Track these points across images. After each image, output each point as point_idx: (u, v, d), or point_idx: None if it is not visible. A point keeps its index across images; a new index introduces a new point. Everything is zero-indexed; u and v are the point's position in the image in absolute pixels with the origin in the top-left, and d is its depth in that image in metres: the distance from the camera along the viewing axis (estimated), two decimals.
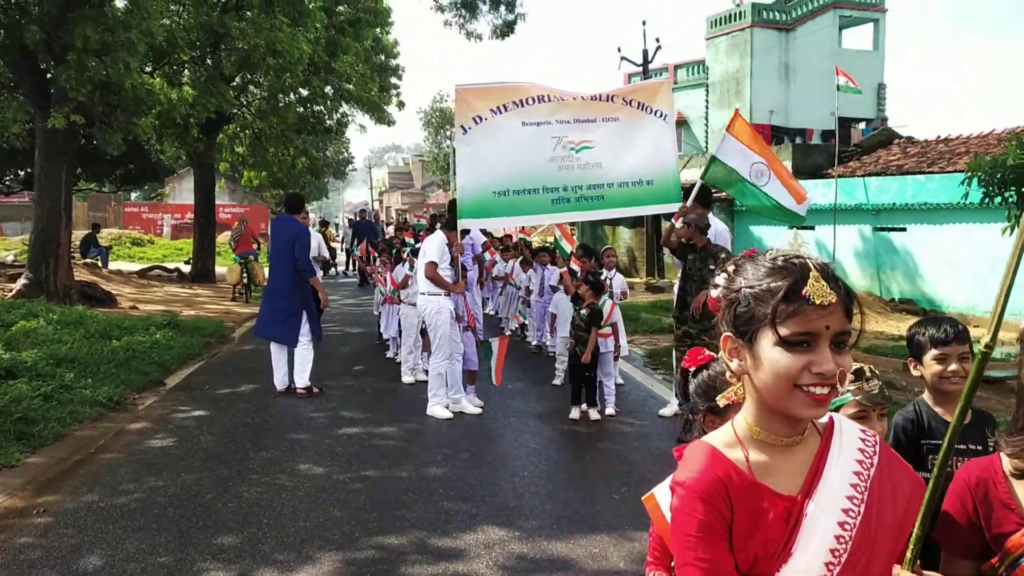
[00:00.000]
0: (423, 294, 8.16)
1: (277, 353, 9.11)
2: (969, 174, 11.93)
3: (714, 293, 1.61)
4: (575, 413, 7.99)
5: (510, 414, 8.18)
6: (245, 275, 18.64)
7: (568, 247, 8.04)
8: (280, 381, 9.07)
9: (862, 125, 32.76)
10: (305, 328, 9.01)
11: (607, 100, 7.87)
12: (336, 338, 12.67)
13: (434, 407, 8.02)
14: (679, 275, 7.90)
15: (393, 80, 29.24)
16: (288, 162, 26.20)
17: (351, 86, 22.75)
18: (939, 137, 24.90)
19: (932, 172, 20.94)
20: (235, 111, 22.06)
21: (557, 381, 9.63)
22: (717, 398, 1.76)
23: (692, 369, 2.11)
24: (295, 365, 9.04)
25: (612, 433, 7.60)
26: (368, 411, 8.38)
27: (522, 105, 7.69)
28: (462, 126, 7.65)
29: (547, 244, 16.63)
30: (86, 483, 6.07)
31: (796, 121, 32.35)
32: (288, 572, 4.55)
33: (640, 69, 28.00)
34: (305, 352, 9.04)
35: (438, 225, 14.94)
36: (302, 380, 9.01)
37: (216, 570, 4.58)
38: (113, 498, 5.74)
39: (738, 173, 8.11)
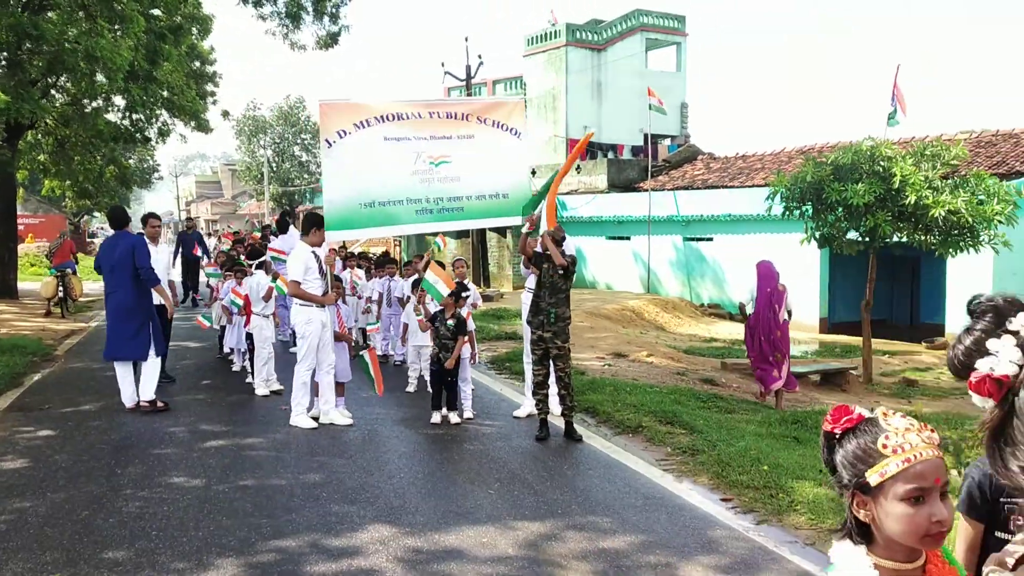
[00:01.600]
0: (296, 304, 8.24)
1: (122, 370, 8.88)
2: (773, 189, 13.21)
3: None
4: (436, 417, 8.33)
5: (373, 421, 8.39)
6: (61, 289, 17.64)
7: (445, 290, 8.32)
8: (129, 397, 8.84)
9: (667, 141, 34.86)
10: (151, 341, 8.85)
11: (463, 119, 8.30)
12: (174, 353, 12.33)
13: (297, 417, 8.12)
14: (531, 282, 8.41)
15: (209, 87, 28.41)
16: (95, 171, 24.92)
17: (170, 94, 22.00)
18: (738, 154, 27.01)
19: (734, 186, 22.76)
20: (38, 117, 20.82)
21: (410, 388, 9.91)
22: (867, 473, 1.69)
23: (838, 433, 1.77)
24: (142, 379, 8.85)
25: (474, 435, 8.00)
26: (229, 424, 8.36)
27: (384, 121, 8.00)
28: (327, 140, 7.87)
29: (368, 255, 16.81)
30: None
31: (608, 137, 33.98)
32: None
33: (463, 83, 28.62)
34: (152, 366, 8.88)
35: (292, 229, 14.88)
36: (147, 394, 8.83)
37: None
38: None
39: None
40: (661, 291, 23.15)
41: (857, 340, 16.56)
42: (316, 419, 8.18)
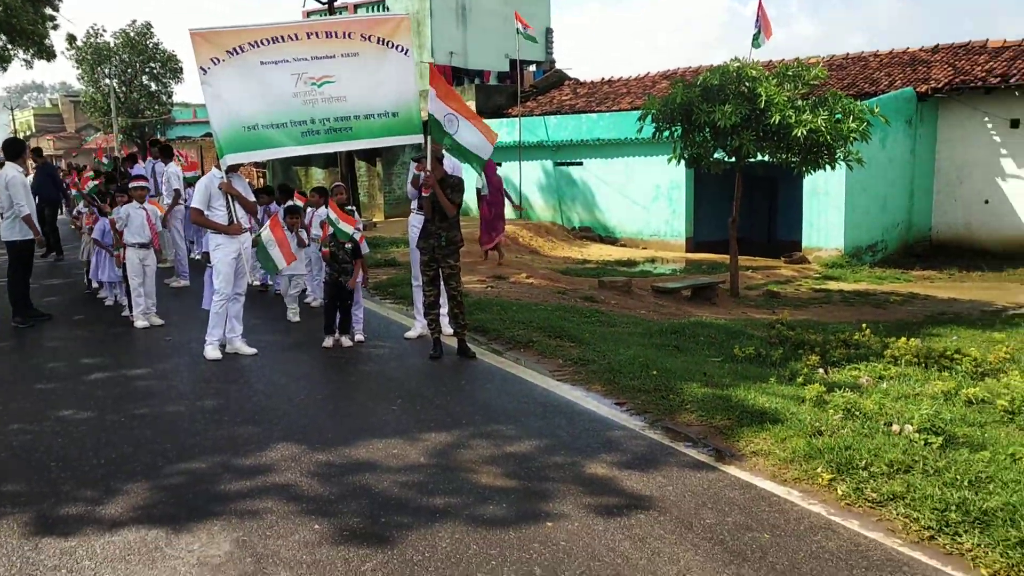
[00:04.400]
0: (210, 233, 8.06)
1: None
2: (644, 110, 13.55)
3: None
4: (328, 342, 8.31)
5: (263, 348, 8.28)
6: None
7: (348, 228, 8.23)
8: None
9: (533, 67, 34.87)
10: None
11: (344, 36, 8.10)
12: (37, 292, 11.71)
13: (208, 347, 7.92)
14: (415, 208, 8.43)
15: (48, 11, 26.47)
16: None
17: (5, 15, 20.42)
18: (604, 79, 27.35)
19: (602, 111, 23.11)
20: None
21: (293, 317, 9.78)
22: None
23: None
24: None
25: (368, 356, 8.04)
26: (110, 357, 8.09)
27: (258, 46, 7.75)
28: (201, 67, 7.58)
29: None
30: None
31: (474, 63, 33.68)
32: (100, 506, 4.56)
33: (324, 7, 27.67)
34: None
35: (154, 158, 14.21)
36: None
37: (17, 513, 4.47)
38: None
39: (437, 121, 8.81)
40: (533, 216, 23.46)
41: (721, 257, 17.37)
42: (223, 348, 8.04)
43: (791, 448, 5.20)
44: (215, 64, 7.63)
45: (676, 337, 8.98)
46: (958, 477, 4.54)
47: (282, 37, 7.87)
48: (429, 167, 7.78)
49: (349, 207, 9.01)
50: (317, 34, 8.03)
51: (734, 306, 13.01)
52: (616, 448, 5.45)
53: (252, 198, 8.54)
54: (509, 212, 18.16)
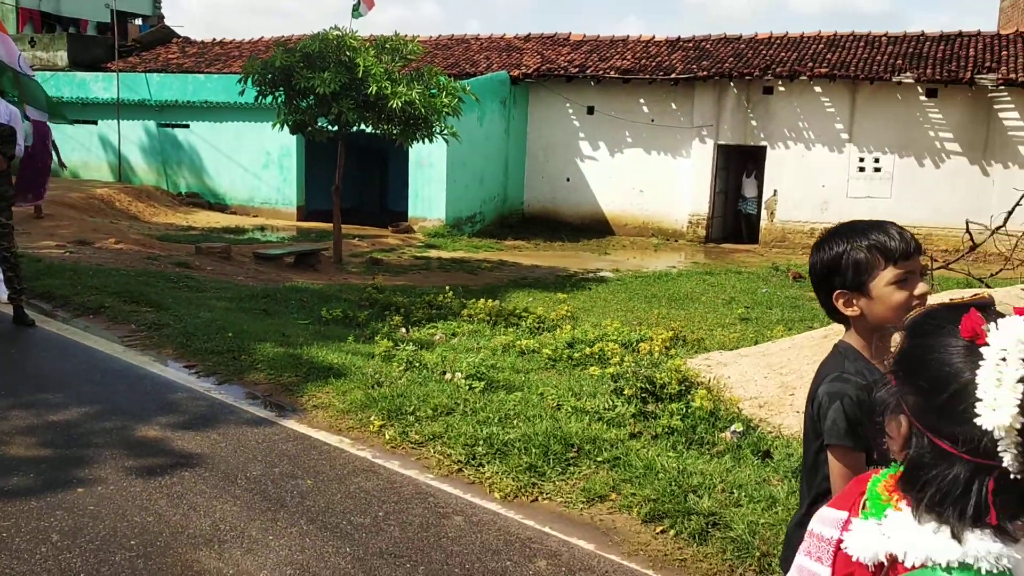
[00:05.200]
0: None
1: None
2: (243, 74, 13.18)
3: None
4: None
5: None
6: None
7: None
8: None
9: (139, 21, 32.48)
10: None
11: None
12: None
13: None
14: None
15: None
16: None
17: None
18: (215, 39, 26.18)
19: (211, 72, 22.10)
20: None
21: None
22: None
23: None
24: None
25: None
26: None
27: None
28: None
29: None
30: None
31: (69, 11, 30.59)
32: None
33: None
34: None
35: None
36: None
37: None
38: None
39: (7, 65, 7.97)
40: (135, 180, 21.84)
41: (331, 226, 17.48)
42: None
43: (350, 400, 5.39)
44: None
45: (267, 302, 8.90)
46: (491, 416, 5.01)
47: None
48: None
49: None
50: None
51: (336, 273, 13.18)
52: (175, 410, 5.28)
53: None
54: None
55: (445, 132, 13.39)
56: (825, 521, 1.43)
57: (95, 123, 22.37)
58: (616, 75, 19.21)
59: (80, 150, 22.65)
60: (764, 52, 19.12)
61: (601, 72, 19.34)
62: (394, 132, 13.25)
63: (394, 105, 12.32)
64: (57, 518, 3.76)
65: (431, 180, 18.47)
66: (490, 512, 4.02)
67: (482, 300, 8.99)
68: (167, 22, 32.06)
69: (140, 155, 22.04)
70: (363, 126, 13.52)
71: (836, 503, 1.46)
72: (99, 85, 22.09)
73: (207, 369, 6.21)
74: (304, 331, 7.48)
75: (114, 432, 4.85)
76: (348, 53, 12.62)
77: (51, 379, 5.81)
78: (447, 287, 10.03)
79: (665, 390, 5.21)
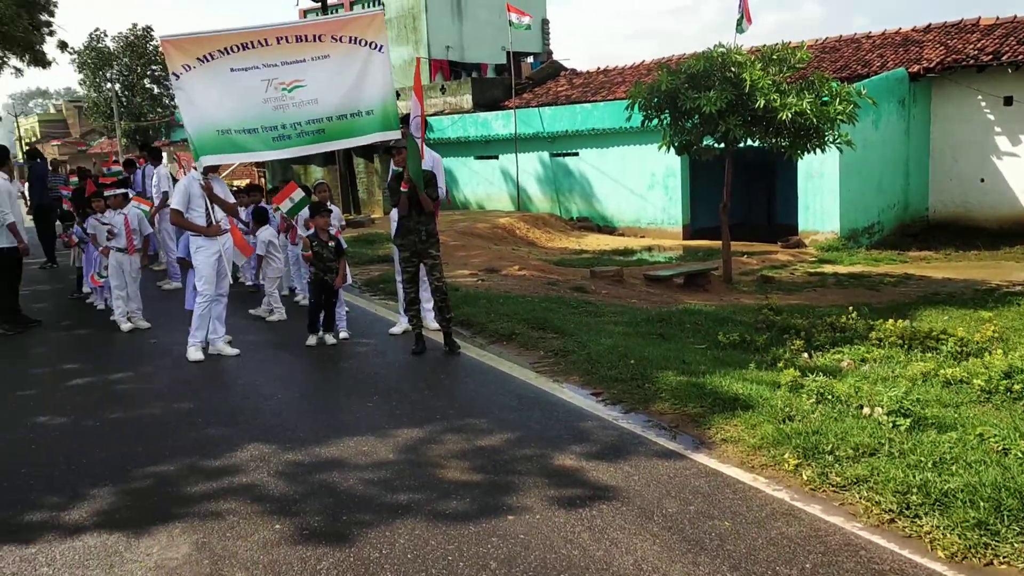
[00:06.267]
0: (190, 235, 8.08)
1: None
2: (630, 99, 13.49)
3: None
4: (312, 340, 8.31)
5: (246, 348, 8.28)
6: None
7: (298, 195, 8.31)
8: None
9: (530, 59, 34.78)
10: None
11: (315, 40, 8.11)
12: (24, 298, 11.77)
13: (191, 349, 7.92)
14: (390, 205, 8.45)
15: (44, 17, 26.51)
16: None
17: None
18: (599, 68, 27.26)
19: (596, 100, 23.03)
20: None
21: (274, 316, 9.77)
22: None
23: None
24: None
25: (351, 353, 8.04)
26: (93, 362, 8.11)
27: (228, 53, 7.79)
28: (174, 73, 7.68)
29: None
30: None
31: (471, 56, 33.65)
32: (65, 511, 4.56)
33: (319, 5, 27.67)
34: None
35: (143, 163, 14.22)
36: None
37: None
38: None
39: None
40: (531, 208, 23.42)
41: (718, 244, 17.27)
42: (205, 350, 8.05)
43: (760, 434, 5.17)
44: (187, 71, 7.69)
45: (662, 325, 8.95)
46: (922, 459, 4.50)
47: (252, 43, 7.89)
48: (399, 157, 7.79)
49: (330, 206, 9.01)
50: (287, 39, 8.04)
51: (726, 292, 12.97)
52: (586, 439, 5.43)
53: (231, 200, 8.55)
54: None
55: (838, 140, 12.63)
56: None
57: (496, 158, 24.33)
58: None
59: (484, 183, 24.76)
60: None
61: (1021, 57, 17.08)
62: (783, 145, 12.76)
63: (783, 117, 11.87)
64: (493, 545, 4.00)
65: (823, 190, 17.54)
66: (936, 574, 3.58)
67: (890, 320, 8.26)
68: (555, 57, 34.07)
69: (535, 184, 23.57)
70: (750, 141, 13.20)
71: None
72: (499, 122, 23.99)
73: (612, 397, 6.34)
74: (702, 356, 7.37)
75: (534, 460, 5.09)
76: (733, 69, 12.41)
77: (475, 404, 6.28)
78: (849, 306, 9.38)
79: None
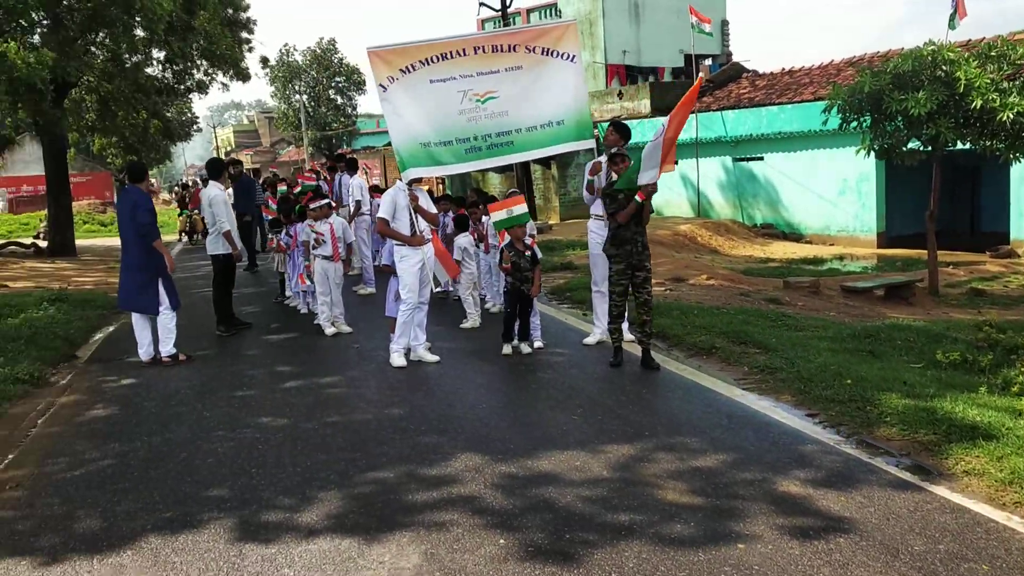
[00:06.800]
0: (393, 244, 8.31)
1: (139, 323, 8.84)
2: (829, 102, 12.88)
3: None
4: (507, 349, 8.37)
5: (443, 355, 8.44)
6: (188, 224, 24.13)
7: (519, 210, 8.41)
8: (145, 352, 8.78)
9: (709, 61, 34.09)
10: (163, 296, 8.79)
11: (509, 50, 8.20)
12: (233, 301, 12.52)
13: (394, 355, 8.17)
14: (597, 208, 8.30)
15: (244, 35, 28.26)
16: (139, 126, 25.16)
17: (207, 43, 21.93)
18: (783, 69, 26.31)
19: (783, 103, 22.22)
20: (81, 74, 20.94)
21: (467, 323, 9.89)
22: None
23: None
24: (159, 333, 8.82)
25: (547, 364, 8.03)
26: (303, 365, 8.49)
27: (428, 63, 7.99)
28: (380, 85, 7.94)
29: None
30: (46, 455, 6.00)
31: (648, 60, 33.33)
32: (297, 513, 4.74)
33: (498, 14, 28.13)
34: (165, 320, 8.80)
35: (340, 171, 14.87)
36: (166, 348, 8.81)
37: (224, 519, 4.71)
38: (83, 466, 5.71)
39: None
40: (711, 214, 22.88)
41: (917, 252, 16.30)
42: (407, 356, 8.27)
43: (1009, 468, 4.74)
44: (391, 82, 7.92)
45: (870, 342, 8.45)
46: None
47: (450, 53, 8.06)
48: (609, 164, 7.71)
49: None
50: (483, 48, 8.16)
51: (933, 306, 12.15)
52: (809, 464, 5.16)
53: (434, 210, 8.74)
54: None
55: None
56: None
57: (676, 163, 23.89)
58: None
59: (662, 189, 24.21)
60: None
61: None
62: (998, 147, 11.83)
63: (1004, 118, 11.00)
64: (726, 574, 3.83)
65: None
66: None
67: None
68: (734, 58, 33.21)
69: (717, 190, 23.01)
70: (959, 144, 12.32)
71: None
72: None
73: (831, 420, 6.01)
74: (923, 378, 6.89)
75: (755, 484, 4.87)
76: (944, 68, 11.62)
77: (683, 422, 6.11)
78: None
79: None
